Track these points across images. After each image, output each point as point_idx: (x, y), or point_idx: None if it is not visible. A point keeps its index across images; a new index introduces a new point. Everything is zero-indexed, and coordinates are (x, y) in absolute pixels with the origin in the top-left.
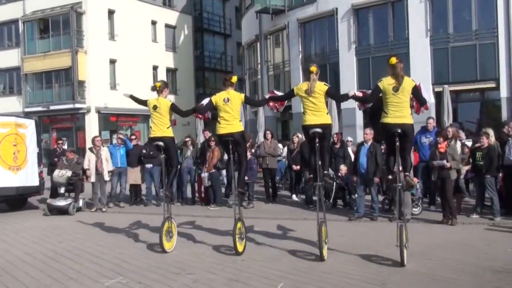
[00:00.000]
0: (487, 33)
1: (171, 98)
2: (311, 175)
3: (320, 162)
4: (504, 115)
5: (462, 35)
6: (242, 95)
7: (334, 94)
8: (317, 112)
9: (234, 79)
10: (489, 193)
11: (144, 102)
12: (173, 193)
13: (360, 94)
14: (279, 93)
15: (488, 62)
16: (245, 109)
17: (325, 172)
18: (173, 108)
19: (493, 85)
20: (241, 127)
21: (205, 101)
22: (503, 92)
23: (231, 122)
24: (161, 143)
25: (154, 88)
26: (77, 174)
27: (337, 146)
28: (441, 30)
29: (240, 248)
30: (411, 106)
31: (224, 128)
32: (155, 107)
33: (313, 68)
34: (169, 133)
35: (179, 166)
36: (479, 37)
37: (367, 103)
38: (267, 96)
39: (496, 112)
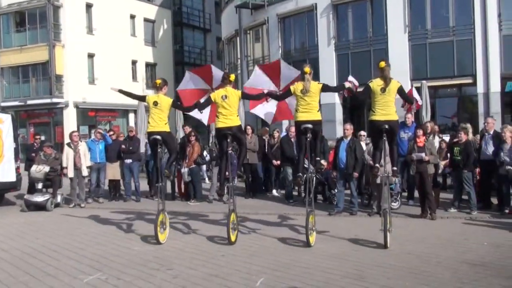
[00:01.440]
0: (464, 30)
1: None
2: (299, 174)
3: (313, 153)
4: (481, 110)
5: (439, 31)
6: (239, 92)
7: (330, 88)
8: (309, 109)
9: (232, 77)
10: (466, 187)
11: (140, 97)
12: (172, 172)
13: (353, 81)
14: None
15: (465, 58)
16: None
17: (317, 158)
18: (175, 105)
19: (470, 80)
20: (238, 121)
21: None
22: (480, 88)
23: (229, 117)
24: (158, 137)
25: (154, 85)
26: (55, 169)
27: None
28: (419, 26)
29: (233, 238)
30: (402, 106)
31: (223, 122)
32: (155, 103)
33: (307, 69)
34: (166, 128)
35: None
36: (457, 33)
37: (358, 98)
38: (265, 91)
39: (473, 107)
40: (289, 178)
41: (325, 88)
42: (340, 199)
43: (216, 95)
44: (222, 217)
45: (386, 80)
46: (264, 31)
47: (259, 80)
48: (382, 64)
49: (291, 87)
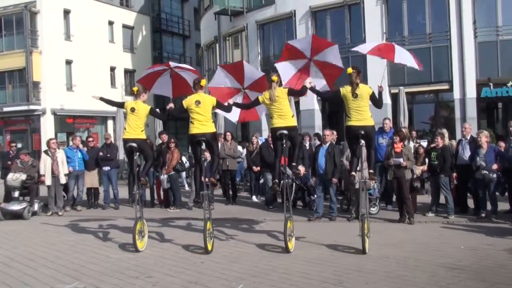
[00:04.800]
0: (440, 36)
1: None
2: (276, 181)
3: (288, 159)
4: (457, 116)
5: (416, 38)
6: (214, 100)
7: (295, 92)
8: (283, 115)
9: (203, 82)
10: (444, 192)
11: (119, 104)
12: (148, 180)
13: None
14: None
15: (441, 64)
16: None
17: (294, 164)
18: (152, 113)
19: (446, 86)
20: (213, 128)
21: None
22: (456, 94)
23: (204, 123)
24: (134, 145)
25: (131, 93)
26: (32, 177)
27: None
28: (397, 33)
29: (209, 247)
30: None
31: (197, 128)
32: (132, 110)
33: (274, 78)
34: (142, 135)
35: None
36: (433, 40)
37: (323, 99)
38: (231, 103)
39: (449, 113)
40: (269, 184)
41: (291, 92)
42: (320, 204)
43: (188, 101)
44: (202, 224)
45: (353, 85)
46: (243, 38)
47: (222, 79)
48: (349, 70)
49: (259, 97)
